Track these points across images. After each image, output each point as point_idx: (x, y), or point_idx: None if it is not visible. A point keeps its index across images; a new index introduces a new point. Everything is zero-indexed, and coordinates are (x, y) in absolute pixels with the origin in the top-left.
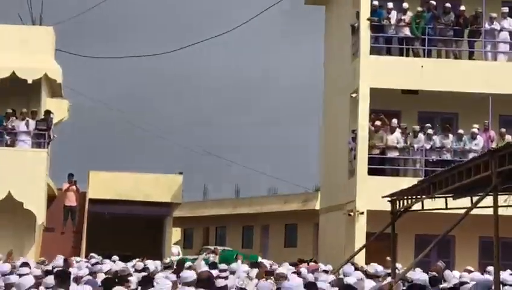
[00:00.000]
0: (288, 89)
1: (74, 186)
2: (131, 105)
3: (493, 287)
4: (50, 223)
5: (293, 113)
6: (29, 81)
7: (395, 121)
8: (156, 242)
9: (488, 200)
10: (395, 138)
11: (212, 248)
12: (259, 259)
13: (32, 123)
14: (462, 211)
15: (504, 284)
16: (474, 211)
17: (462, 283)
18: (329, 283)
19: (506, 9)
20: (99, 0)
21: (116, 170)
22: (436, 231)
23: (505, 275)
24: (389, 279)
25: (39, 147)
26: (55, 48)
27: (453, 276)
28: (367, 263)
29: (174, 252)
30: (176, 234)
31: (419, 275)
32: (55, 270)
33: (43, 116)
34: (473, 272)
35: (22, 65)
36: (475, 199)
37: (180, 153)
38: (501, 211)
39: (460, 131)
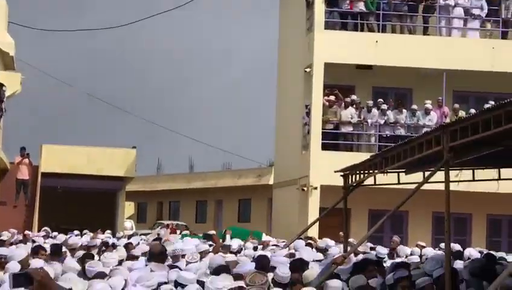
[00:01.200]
0: (248, 62)
1: (27, 160)
2: (85, 79)
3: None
4: (2, 197)
5: (250, 87)
6: None
7: (350, 97)
8: (109, 216)
9: (440, 175)
10: (349, 113)
11: (165, 222)
12: (264, 236)
13: None
14: (415, 186)
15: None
16: (427, 186)
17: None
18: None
19: None
20: None
21: (69, 143)
22: (389, 206)
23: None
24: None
25: None
26: (7, 20)
27: (406, 251)
28: (320, 237)
29: (127, 226)
30: (129, 208)
31: (381, 250)
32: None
33: None
34: (424, 247)
35: None
36: (427, 174)
37: (134, 127)
38: (453, 187)
39: (414, 106)
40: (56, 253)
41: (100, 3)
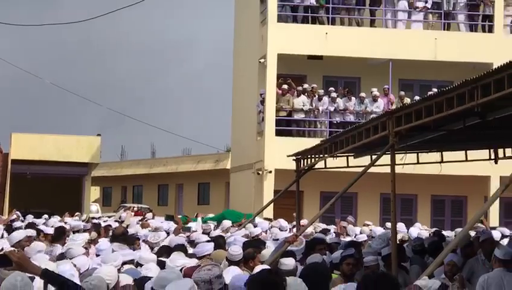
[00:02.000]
0: (210, 53)
1: None
2: (53, 70)
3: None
4: None
5: (210, 78)
6: None
7: (302, 85)
8: (76, 200)
9: (387, 159)
10: (301, 101)
11: (129, 205)
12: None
13: None
14: (363, 169)
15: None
16: (375, 169)
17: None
18: (242, 236)
19: None
20: None
21: (38, 132)
22: (339, 188)
23: (402, 228)
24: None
25: None
26: None
27: (355, 230)
28: (275, 218)
29: (93, 209)
30: (95, 192)
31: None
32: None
33: None
34: (370, 225)
35: None
36: (374, 157)
37: (100, 116)
38: (398, 169)
39: (362, 94)
40: (59, 236)
41: None
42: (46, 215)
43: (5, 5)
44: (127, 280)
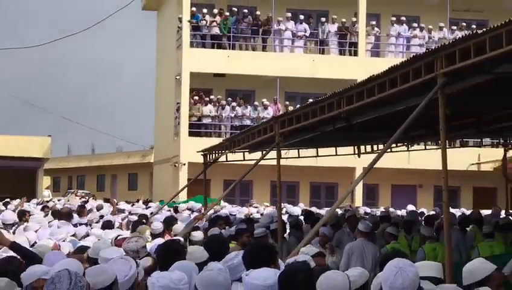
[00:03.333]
0: (138, 71)
1: None
2: (16, 84)
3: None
4: None
5: (138, 90)
6: None
7: (209, 97)
8: (32, 188)
9: (274, 154)
10: (208, 109)
11: (73, 190)
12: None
13: None
14: (255, 161)
15: (290, 215)
16: (265, 162)
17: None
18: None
19: (289, 15)
20: None
21: (3, 134)
22: (238, 176)
23: (290, 208)
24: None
25: None
26: None
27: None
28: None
29: (45, 195)
30: (47, 181)
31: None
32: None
33: None
34: (269, 207)
35: None
36: (265, 152)
37: (49, 120)
38: (283, 162)
39: (256, 103)
40: (69, 215)
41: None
42: (8, 199)
43: None
44: (68, 247)
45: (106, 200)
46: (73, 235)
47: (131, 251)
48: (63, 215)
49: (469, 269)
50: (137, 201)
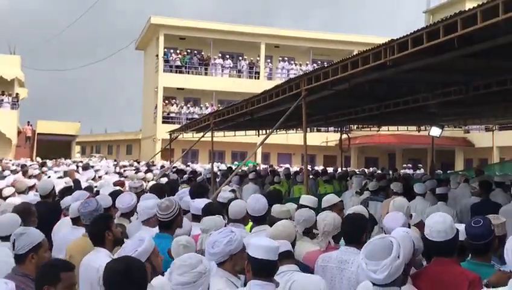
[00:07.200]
0: (133, 86)
1: None
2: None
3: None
4: None
5: (134, 97)
6: None
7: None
8: (68, 152)
9: (210, 134)
10: (174, 108)
11: (93, 154)
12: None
13: None
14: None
15: (220, 169)
16: (206, 139)
17: None
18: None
19: (220, 55)
20: None
21: (53, 120)
22: (190, 147)
23: (220, 166)
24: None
25: None
26: None
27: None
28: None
29: (77, 156)
30: (77, 148)
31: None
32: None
33: None
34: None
35: None
36: (203, 133)
37: (79, 114)
38: (215, 139)
39: (202, 106)
40: (88, 168)
41: None
42: (55, 159)
43: None
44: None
45: (66, 174)
46: (93, 178)
47: (134, 188)
48: (88, 167)
49: (324, 199)
50: (137, 161)
